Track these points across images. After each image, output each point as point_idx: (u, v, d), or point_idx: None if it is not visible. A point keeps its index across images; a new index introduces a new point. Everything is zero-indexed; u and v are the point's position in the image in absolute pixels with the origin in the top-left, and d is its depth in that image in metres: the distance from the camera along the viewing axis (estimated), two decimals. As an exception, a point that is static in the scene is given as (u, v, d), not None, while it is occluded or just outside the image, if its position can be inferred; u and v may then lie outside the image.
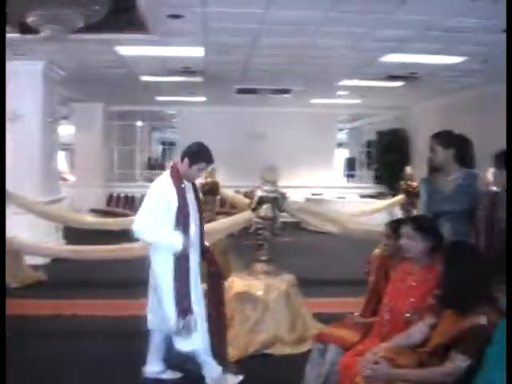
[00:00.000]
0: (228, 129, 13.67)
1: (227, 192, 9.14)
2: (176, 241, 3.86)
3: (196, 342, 3.97)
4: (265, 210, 5.15)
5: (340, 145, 17.47)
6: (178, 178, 3.98)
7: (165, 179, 4.01)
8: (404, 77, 9.30)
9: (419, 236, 3.29)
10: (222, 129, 13.55)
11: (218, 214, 8.37)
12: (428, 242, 3.30)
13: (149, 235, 3.94)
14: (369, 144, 16.22)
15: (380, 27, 6.27)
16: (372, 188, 14.93)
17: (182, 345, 4.00)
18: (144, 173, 16.45)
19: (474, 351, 2.54)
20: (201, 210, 4.26)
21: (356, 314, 3.88)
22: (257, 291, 4.93)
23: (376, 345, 3.12)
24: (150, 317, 4.18)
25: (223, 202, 10.62)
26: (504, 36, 6.26)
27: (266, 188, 5.19)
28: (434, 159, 3.98)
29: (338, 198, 13.60)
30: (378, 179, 14.80)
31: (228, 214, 7.90)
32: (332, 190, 14.34)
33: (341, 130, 17.57)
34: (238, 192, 9.79)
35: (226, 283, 5.34)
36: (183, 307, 3.90)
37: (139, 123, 16.26)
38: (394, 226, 3.71)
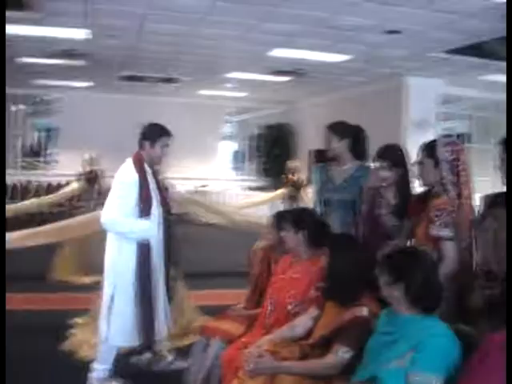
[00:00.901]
0: (113, 117, 13.23)
1: (109, 182, 8.84)
2: (147, 227, 3.72)
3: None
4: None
5: (227, 137, 17.49)
6: (140, 165, 3.79)
7: (128, 167, 3.80)
8: (291, 72, 9.43)
9: (295, 229, 3.34)
10: (107, 116, 13.09)
11: (98, 204, 8.05)
12: (305, 235, 3.34)
13: (120, 226, 3.74)
14: (256, 137, 16.38)
15: (268, 20, 6.30)
16: (259, 181, 15.09)
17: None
18: (22, 160, 15.57)
19: (355, 343, 2.57)
20: (165, 200, 4.06)
21: (240, 305, 3.85)
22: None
23: (259, 337, 3.10)
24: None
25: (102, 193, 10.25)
26: (386, 37, 6.52)
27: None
28: (329, 149, 4.00)
29: (224, 190, 13.62)
30: (265, 172, 14.99)
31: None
32: (218, 182, 14.34)
33: (229, 122, 17.60)
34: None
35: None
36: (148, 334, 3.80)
37: (15, 107, 15.34)
38: (277, 218, 3.71)
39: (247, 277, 4.18)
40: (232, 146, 18.23)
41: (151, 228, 3.76)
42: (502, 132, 9.38)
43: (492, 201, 2.80)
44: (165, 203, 4.03)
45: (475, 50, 6.59)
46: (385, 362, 2.26)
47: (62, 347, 4.53)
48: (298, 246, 3.34)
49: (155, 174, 4.02)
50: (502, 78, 8.12)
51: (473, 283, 2.80)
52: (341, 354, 2.59)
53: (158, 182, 4.02)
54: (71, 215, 7.16)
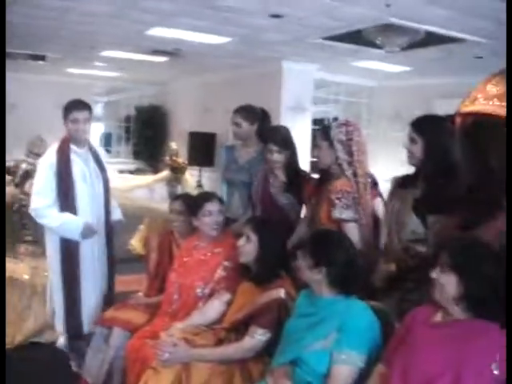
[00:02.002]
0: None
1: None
2: (73, 227, 3.58)
3: None
4: (30, 185, 4.70)
5: (97, 119, 16.84)
6: (63, 146, 3.69)
7: (50, 149, 3.70)
8: (168, 52, 9.23)
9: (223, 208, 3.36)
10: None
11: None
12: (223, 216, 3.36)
13: (43, 217, 3.64)
14: (127, 119, 15.93)
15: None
16: (130, 164, 14.70)
17: None
18: None
19: (273, 324, 2.60)
20: (107, 183, 3.90)
21: (140, 293, 3.74)
22: (23, 275, 4.49)
23: (166, 324, 3.05)
24: None
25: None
26: (268, 21, 6.55)
27: (32, 161, 4.74)
28: (238, 133, 4.07)
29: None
30: (137, 155, 14.65)
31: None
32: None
33: (99, 103, 16.96)
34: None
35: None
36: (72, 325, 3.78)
37: None
38: (187, 201, 3.64)
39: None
40: (102, 128, 17.63)
41: (76, 227, 3.63)
42: (374, 117, 9.81)
43: (398, 182, 2.93)
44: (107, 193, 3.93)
45: (352, 36, 6.81)
46: (307, 343, 2.29)
47: None
48: (220, 227, 3.35)
49: (96, 155, 3.93)
50: (376, 65, 8.54)
51: (376, 262, 2.92)
52: (258, 336, 2.61)
53: (100, 165, 3.91)
54: None
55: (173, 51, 9.13)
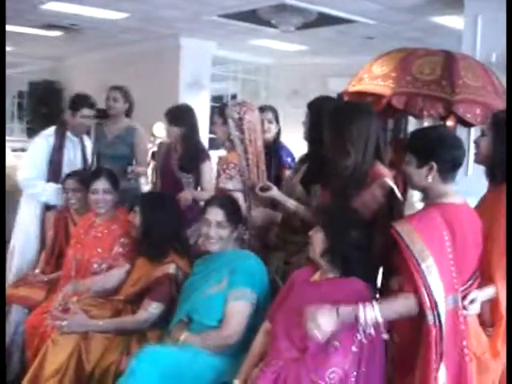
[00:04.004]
0: None
1: None
2: (53, 190, 3.85)
3: None
4: None
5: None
6: (61, 130, 3.96)
7: (48, 130, 3.90)
8: (64, 27, 8.98)
9: (114, 187, 3.42)
10: None
11: None
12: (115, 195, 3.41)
13: (31, 187, 3.90)
14: (20, 95, 15.31)
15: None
16: (25, 142, 14.16)
17: None
18: None
19: (165, 298, 2.79)
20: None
21: (37, 271, 3.74)
22: None
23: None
24: None
25: None
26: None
27: None
28: (113, 108, 4.34)
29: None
30: (31, 132, 14.13)
31: None
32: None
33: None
34: None
35: None
36: None
37: None
38: (82, 178, 3.66)
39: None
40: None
41: (58, 192, 3.83)
42: (272, 94, 10.01)
43: (300, 159, 3.20)
44: None
45: (248, 15, 6.94)
46: (202, 291, 2.54)
47: None
48: (113, 204, 3.41)
49: (84, 148, 4.14)
50: (272, 44, 8.75)
51: (270, 226, 3.14)
52: (151, 309, 2.78)
53: (84, 157, 4.13)
54: None
55: (69, 26, 8.91)
